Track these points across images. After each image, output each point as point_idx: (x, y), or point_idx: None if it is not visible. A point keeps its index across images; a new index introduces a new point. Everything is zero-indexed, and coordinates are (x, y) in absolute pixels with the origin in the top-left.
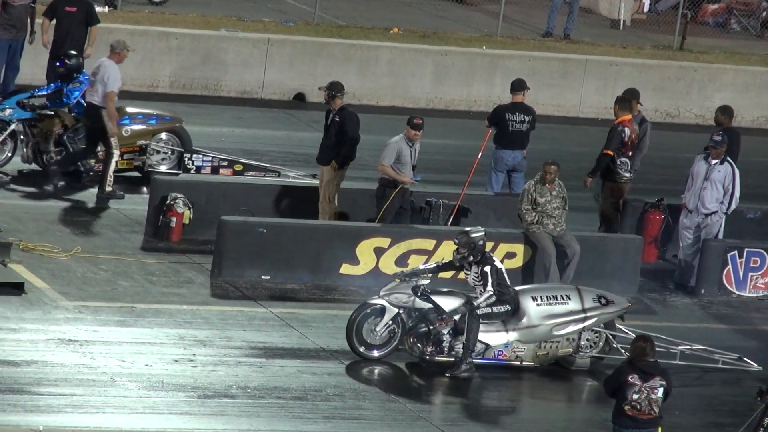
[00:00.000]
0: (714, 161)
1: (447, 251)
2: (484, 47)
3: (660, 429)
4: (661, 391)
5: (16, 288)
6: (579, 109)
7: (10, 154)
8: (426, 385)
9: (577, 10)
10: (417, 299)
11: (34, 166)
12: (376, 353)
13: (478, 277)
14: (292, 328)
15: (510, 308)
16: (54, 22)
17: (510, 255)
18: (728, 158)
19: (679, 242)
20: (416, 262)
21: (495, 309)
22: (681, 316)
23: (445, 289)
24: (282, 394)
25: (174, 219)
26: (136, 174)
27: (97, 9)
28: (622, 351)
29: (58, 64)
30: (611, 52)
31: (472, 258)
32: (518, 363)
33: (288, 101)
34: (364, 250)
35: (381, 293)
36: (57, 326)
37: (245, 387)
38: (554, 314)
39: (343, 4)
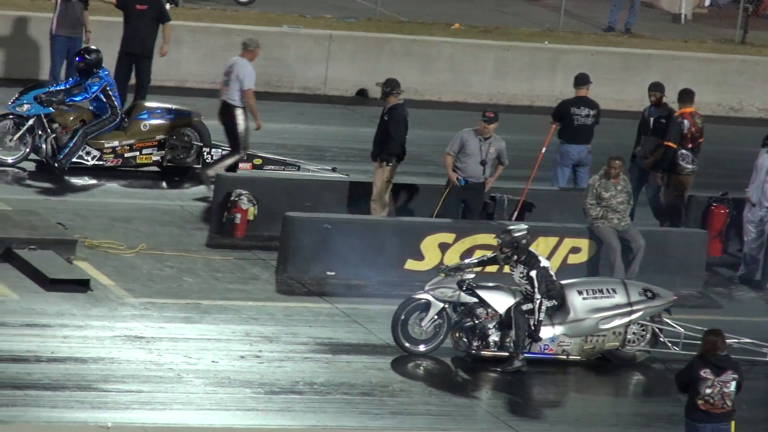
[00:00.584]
0: None
1: None
2: (546, 42)
3: (733, 423)
4: (733, 384)
5: (82, 285)
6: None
7: (28, 150)
8: (488, 380)
9: (638, 4)
10: (462, 293)
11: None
12: (421, 348)
13: (524, 277)
14: (357, 324)
15: (556, 303)
16: (125, 20)
17: (575, 250)
18: None
19: (743, 236)
20: None
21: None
22: (747, 310)
23: (490, 284)
24: (348, 390)
25: (239, 215)
26: (155, 169)
27: None
28: (669, 345)
29: (77, 59)
30: (673, 46)
31: (515, 257)
32: (564, 357)
33: (350, 97)
34: (429, 245)
35: (426, 288)
36: (123, 323)
37: (312, 383)
38: (600, 308)
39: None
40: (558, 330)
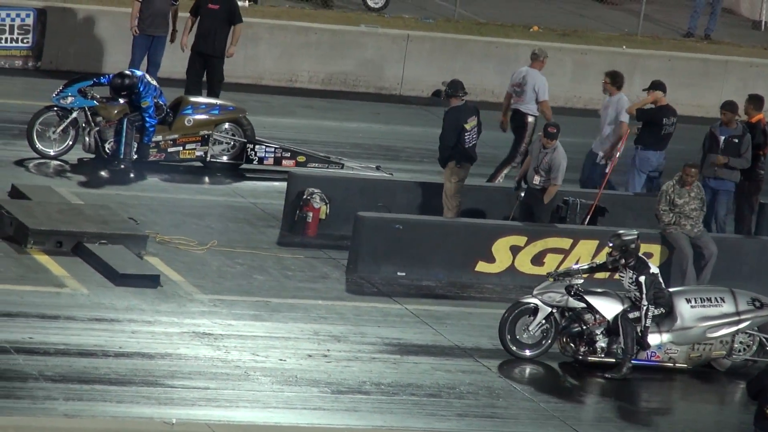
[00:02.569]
0: None
1: (583, 251)
2: (624, 46)
3: None
4: None
5: (152, 280)
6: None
7: (71, 143)
8: (570, 385)
9: (719, 10)
10: (570, 299)
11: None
12: (528, 353)
13: (633, 282)
14: (426, 325)
15: (664, 310)
16: (198, 19)
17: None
18: None
19: None
20: (552, 261)
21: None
22: None
23: (599, 290)
24: (416, 391)
25: (310, 214)
26: (198, 164)
27: (239, 3)
28: None
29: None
30: (752, 53)
31: (623, 261)
32: (671, 364)
33: (426, 98)
34: (500, 247)
35: (534, 292)
36: (192, 319)
37: (379, 383)
38: (708, 316)
39: (484, 1)
40: (665, 337)
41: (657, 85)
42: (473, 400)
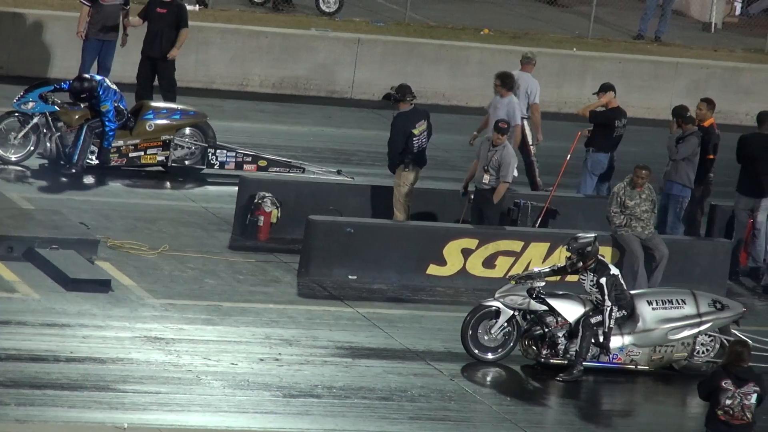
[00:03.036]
0: None
1: (535, 253)
2: (575, 49)
3: None
4: (754, 397)
5: (103, 285)
6: (669, 112)
7: (32, 148)
8: (526, 388)
9: (670, 13)
10: (532, 301)
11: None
12: (490, 356)
13: (594, 285)
14: (378, 328)
15: (626, 313)
16: (147, 23)
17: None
18: None
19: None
20: (504, 264)
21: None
22: None
23: (560, 292)
24: (368, 395)
25: (262, 218)
26: (159, 169)
27: (189, 7)
28: None
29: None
30: (702, 54)
31: (582, 264)
32: (633, 367)
33: (377, 101)
34: (452, 250)
35: (496, 295)
36: (143, 324)
37: (331, 387)
38: (670, 318)
39: (434, 4)
40: (627, 340)
41: (607, 87)
42: (425, 403)
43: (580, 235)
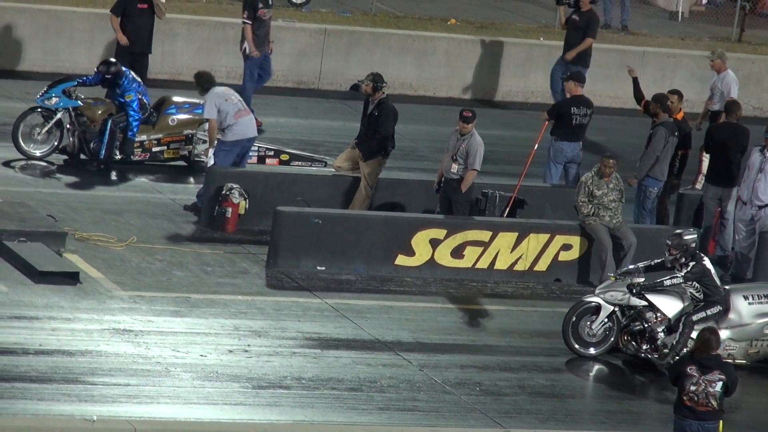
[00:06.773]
0: None
1: (503, 243)
2: (542, 38)
3: (721, 423)
4: (719, 385)
5: (71, 278)
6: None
7: (56, 143)
8: (497, 379)
9: (629, 1)
10: (632, 297)
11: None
12: (592, 351)
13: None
14: (347, 319)
15: (721, 308)
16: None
17: (566, 247)
18: None
19: (734, 234)
20: (472, 254)
21: (708, 312)
22: None
23: (660, 288)
24: (336, 385)
25: (229, 209)
26: (182, 163)
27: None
28: None
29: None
30: (669, 43)
31: (683, 259)
32: (731, 361)
33: (344, 92)
34: (420, 241)
35: (596, 291)
36: (112, 316)
37: (300, 378)
38: (766, 313)
39: None
40: (724, 334)
41: (569, 77)
42: (394, 394)
43: (682, 231)
